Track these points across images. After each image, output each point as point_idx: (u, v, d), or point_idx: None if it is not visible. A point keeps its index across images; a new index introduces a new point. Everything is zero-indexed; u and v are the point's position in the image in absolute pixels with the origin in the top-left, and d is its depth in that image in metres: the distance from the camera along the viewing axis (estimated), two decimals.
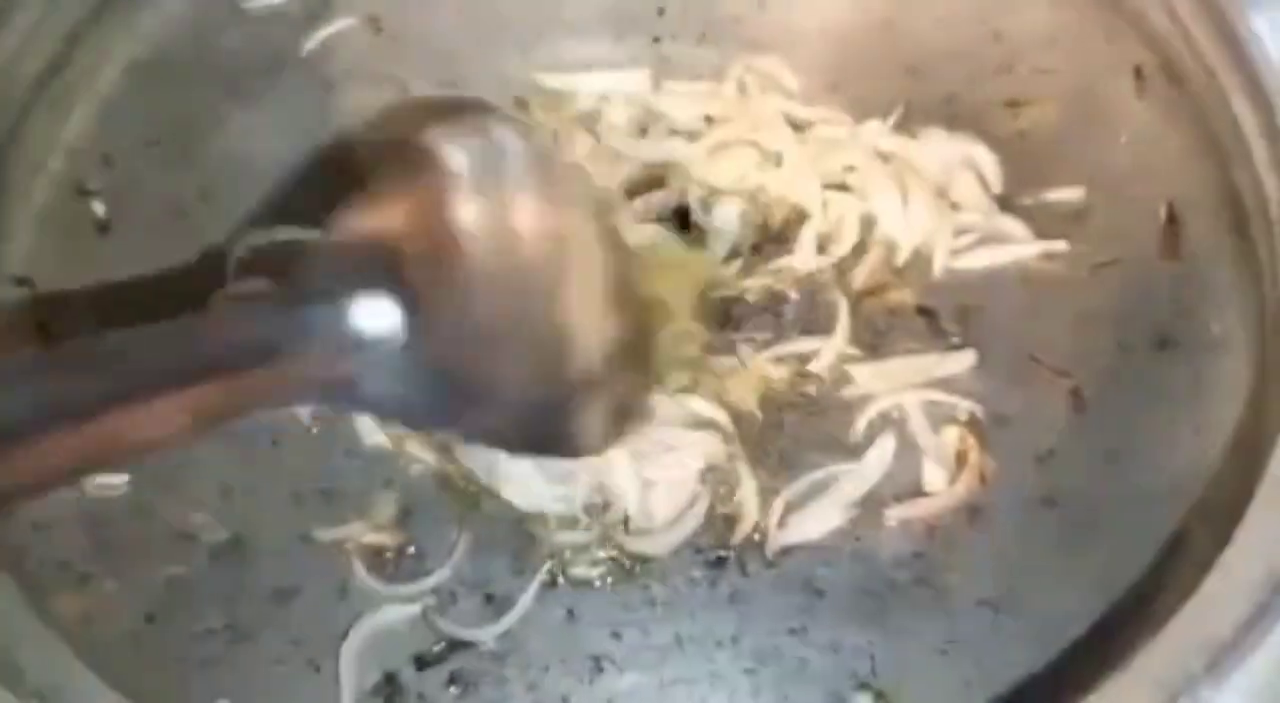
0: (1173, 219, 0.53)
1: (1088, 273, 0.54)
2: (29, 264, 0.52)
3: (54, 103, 0.53)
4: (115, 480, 0.47)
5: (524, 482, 0.47)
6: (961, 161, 0.57)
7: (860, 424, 0.50)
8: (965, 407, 0.50)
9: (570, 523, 0.48)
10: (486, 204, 0.38)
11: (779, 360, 0.52)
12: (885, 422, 0.50)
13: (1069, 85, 0.57)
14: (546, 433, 0.40)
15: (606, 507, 0.48)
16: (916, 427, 0.50)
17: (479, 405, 0.37)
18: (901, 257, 0.54)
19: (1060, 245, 0.54)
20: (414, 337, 0.35)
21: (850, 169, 0.57)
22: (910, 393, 0.51)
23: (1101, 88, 0.56)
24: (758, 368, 0.52)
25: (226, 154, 0.56)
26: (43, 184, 0.53)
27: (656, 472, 0.48)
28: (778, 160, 0.57)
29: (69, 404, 0.31)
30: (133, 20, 0.55)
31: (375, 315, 0.35)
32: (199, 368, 0.33)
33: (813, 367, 0.51)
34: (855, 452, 0.50)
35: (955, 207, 0.56)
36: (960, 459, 0.50)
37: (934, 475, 0.50)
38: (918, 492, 0.49)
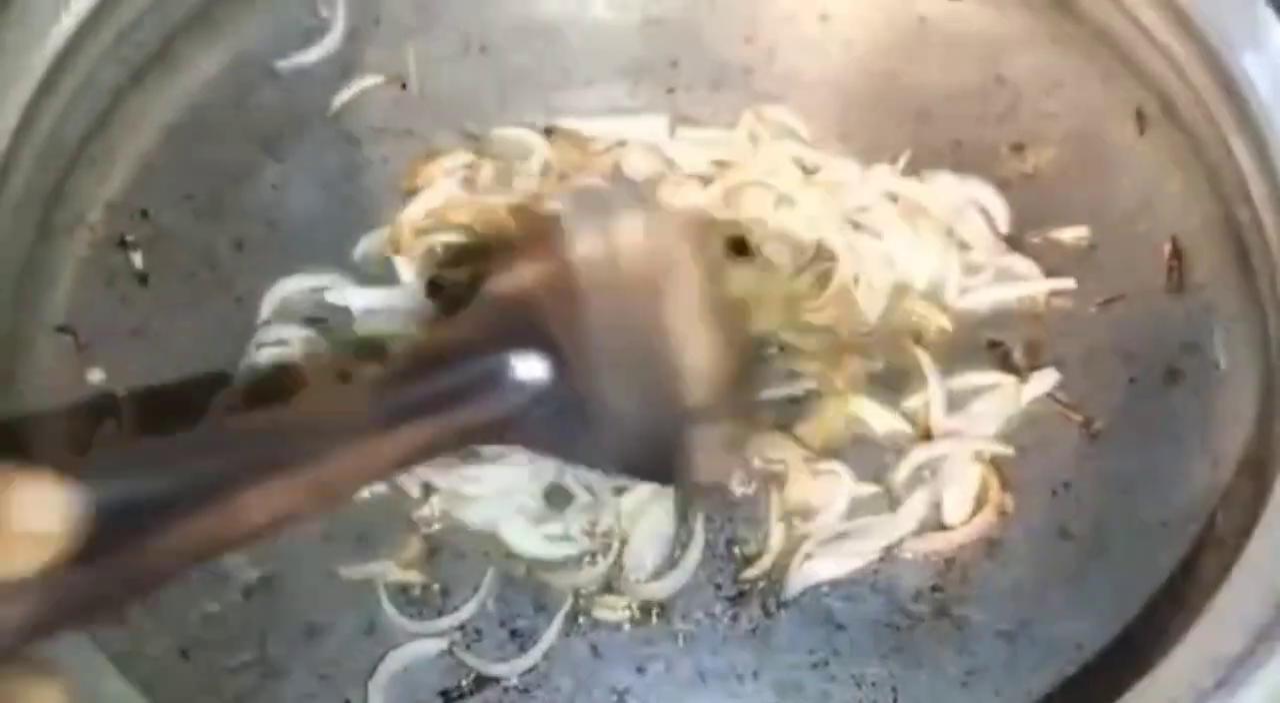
0: (1177, 254, 0.54)
1: (1096, 309, 0.55)
2: (71, 313, 0.54)
3: (96, 161, 0.55)
4: None
5: (521, 529, 0.49)
6: (969, 203, 0.58)
7: (903, 471, 0.51)
8: (990, 448, 0.51)
9: (574, 565, 0.49)
10: (602, 259, 0.42)
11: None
12: (926, 467, 0.51)
13: (1072, 127, 0.58)
14: (671, 459, 0.43)
15: (603, 552, 0.49)
16: (951, 468, 0.51)
17: (613, 437, 0.41)
18: (915, 295, 0.56)
19: (1068, 283, 0.55)
20: (555, 380, 0.40)
21: (862, 210, 0.58)
22: (962, 442, 0.51)
23: (1104, 129, 0.58)
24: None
25: (258, 206, 0.58)
26: (84, 237, 0.55)
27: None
28: (791, 203, 0.59)
29: (267, 464, 0.34)
30: (170, 83, 0.57)
31: (529, 365, 0.40)
32: (391, 417, 0.37)
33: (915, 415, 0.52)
34: (889, 496, 0.50)
35: (964, 247, 0.58)
36: (981, 496, 0.51)
37: (954, 511, 0.50)
38: (938, 525, 0.50)
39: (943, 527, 0.50)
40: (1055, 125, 0.59)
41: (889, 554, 0.49)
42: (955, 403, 0.53)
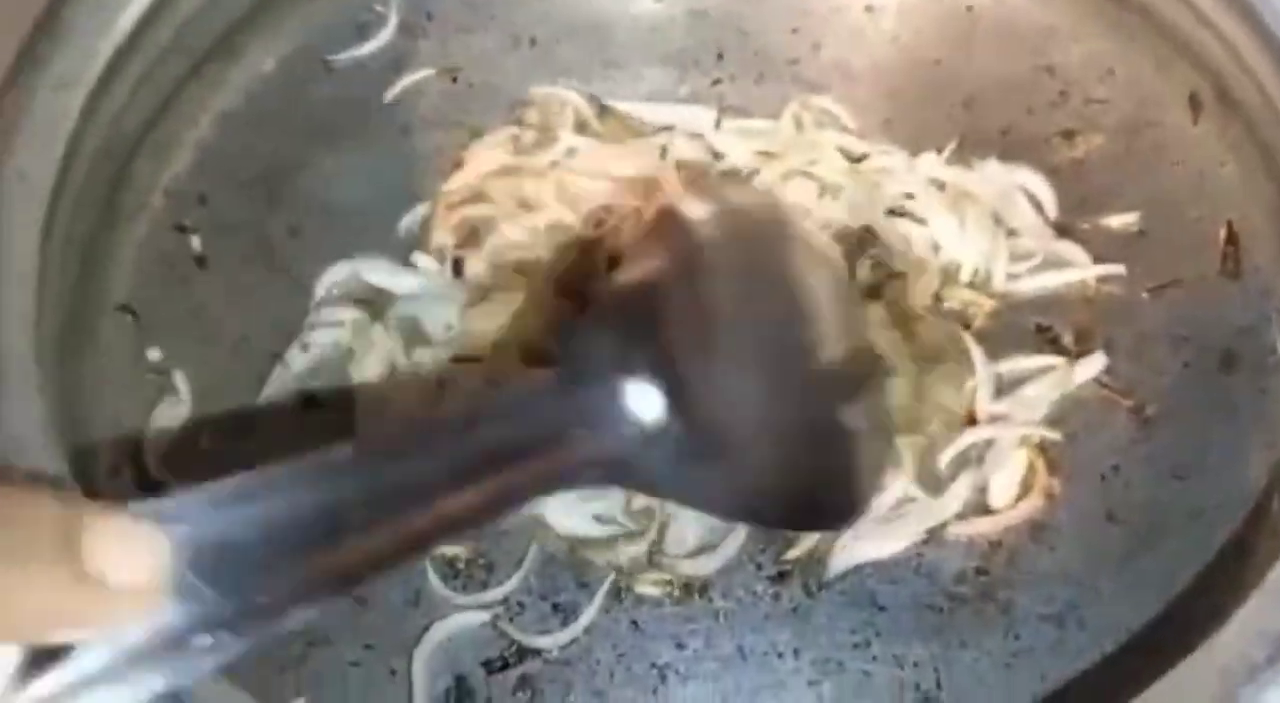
0: (1232, 240, 0.53)
1: (1148, 295, 0.54)
2: (132, 294, 0.55)
3: (156, 148, 0.57)
4: None
5: (564, 508, 0.49)
6: (1016, 190, 0.58)
7: (948, 454, 0.50)
8: (1038, 432, 0.51)
9: (615, 543, 0.49)
10: (732, 273, 0.38)
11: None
12: (972, 451, 0.50)
13: (1124, 115, 0.58)
14: (805, 504, 0.39)
15: (643, 531, 0.49)
16: (997, 451, 0.50)
17: (740, 480, 0.37)
18: (964, 278, 0.55)
19: (1119, 269, 0.55)
20: (675, 416, 0.35)
21: (908, 197, 0.58)
22: (1009, 426, 0.50)
23: (1157, 116, 0.57)
24: None
25: (312, 195, 0.59)
26: (145, 221, 0.57)
27: None
28: (835, 193, 0.59)
29: (386, 498, 0.31)
30: (227, 76, 0.59)
31: (644, 398, 0.35)
32: (497, 453, 0.33)
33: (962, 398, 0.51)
34: (934, 479, 0.50)
35: (1012, 234, 0.57)
36: (1028, 480, 0.50)
37: (1001, 493, 0.50)
38: (983, 508, 0.50)
39: (988, 510, 0.49)
40: (1107, 113, 0.58)
41: (933, 537, 0.49)
42: (1003, 388, 0.52)
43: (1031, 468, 0.50)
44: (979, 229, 0.56)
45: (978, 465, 0.50)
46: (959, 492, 0.49)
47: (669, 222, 0.40)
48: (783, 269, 0.40)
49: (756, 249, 0.40)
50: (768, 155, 0.61)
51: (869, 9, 0.63)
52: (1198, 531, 0.47)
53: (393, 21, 0.62)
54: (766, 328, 0.39)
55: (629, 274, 0.39)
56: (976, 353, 0.52)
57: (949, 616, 0.47)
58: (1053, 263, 0.56)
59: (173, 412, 0.52)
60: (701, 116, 0.62)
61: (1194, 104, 0.56)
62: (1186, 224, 0.55)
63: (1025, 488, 0.49)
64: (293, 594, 0.29)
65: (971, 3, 0.62)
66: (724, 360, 0.37)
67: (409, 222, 0.59)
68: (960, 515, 0.49)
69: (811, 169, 0.60)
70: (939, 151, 0.60)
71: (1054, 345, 0.53)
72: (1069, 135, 0.59)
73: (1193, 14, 0.52)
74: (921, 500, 0.49)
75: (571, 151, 0.61)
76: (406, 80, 0.62)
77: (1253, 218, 0.53)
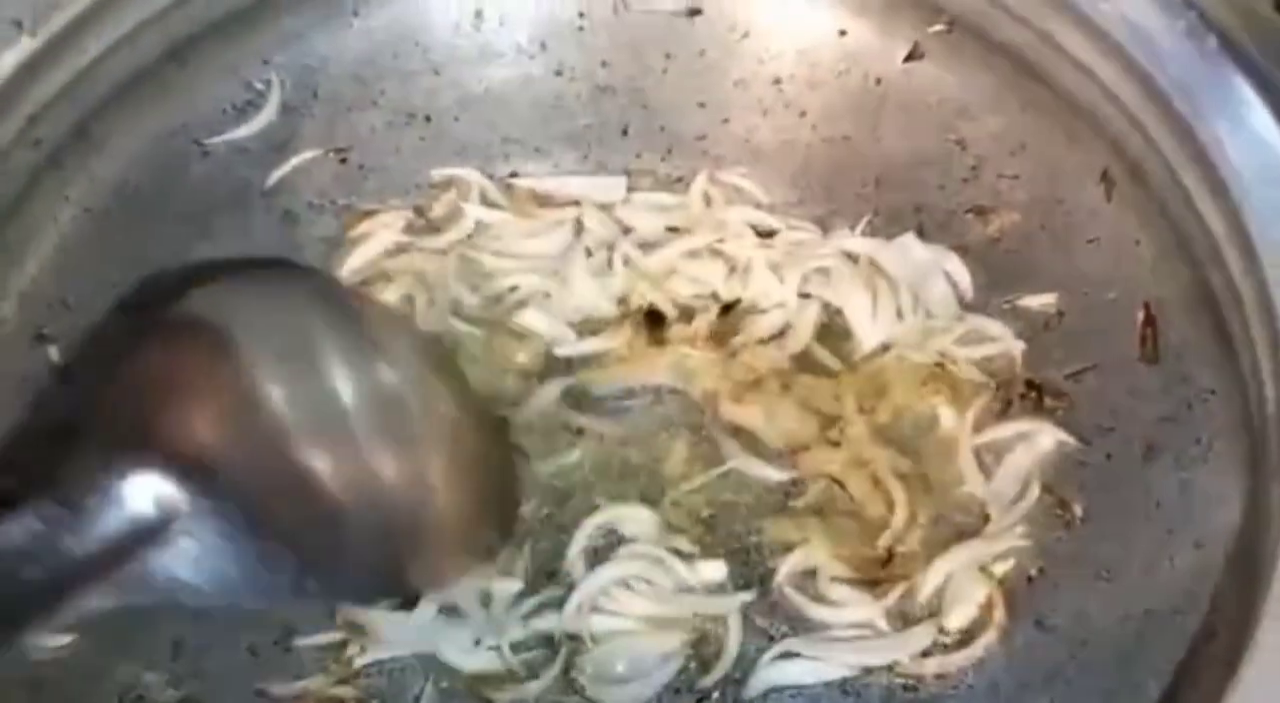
0: (1150, 321, 0.52)
1: (1068, 380, 0.53)
2: None
3: (8, 249, 0.52)
4: (61, 640, 0.45)
5: (456, 642, 0.46)
6: (934, 268, 0.56)
7: (928, 587, 0.48)
8: (1006, 565, 0.48)
9: (515, 681, 0.45)
10: (272, 361, 0.37)
11: None
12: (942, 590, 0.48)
13: (1037, 191, 0.56)
14: (389, 577, 0.39)
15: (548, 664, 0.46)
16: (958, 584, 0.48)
17: (307, 564, 0.35)
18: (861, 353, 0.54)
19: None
20: (213, 506, 0.33)
21: (821, 271, 0.56)
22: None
23: (1070, 191, 0.55)
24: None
25: None
26: None
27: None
28: (745, 272, 0.57)
29: None
30: (90, 163, 0.54)
31: (147, 495, 0.33)
32: None
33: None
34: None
35: (928, 315, 0.56)
36: (984, 614, 0.47)
37: (957, 623, 0.47)
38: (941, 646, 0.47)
39: (945, 648, 0.47)
40: (1019, 189, 0.57)
41: None
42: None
43: (990, 602, 0.47)
44: (890, 311, 0.54)
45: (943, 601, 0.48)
46: (927, 630, 0.47)
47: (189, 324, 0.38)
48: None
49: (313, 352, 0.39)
50: (676, 230, 0.59)
51: (776, 82, 0.61)
52: (1132, 641, 0.45)
53: (275, 100, 0.59)
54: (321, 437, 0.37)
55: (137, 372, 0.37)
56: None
57: None
58: (971, 339, 0.54)
59: None
60: (610, 188, 0.60)
61: (1106, 180, 0.54)
62: (1104, 305, 0.54)
63: (983, 625, 0.47)
64: None
65: (880, 76, 0.60)
66: (269, 452, 0.35)
67: None
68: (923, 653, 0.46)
69: (720, 246, 0.58)
70: (851, 229, 0.58)
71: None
72: (982, 212, 0.57)
73: (1098, 89, 0.51)
74: (886, 637, 0.47)
75: (483, 227, 0.58)
76: (291, 162, 0.58)
77: (1169, 299, 0.51)
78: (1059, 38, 0.51)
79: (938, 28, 0.58)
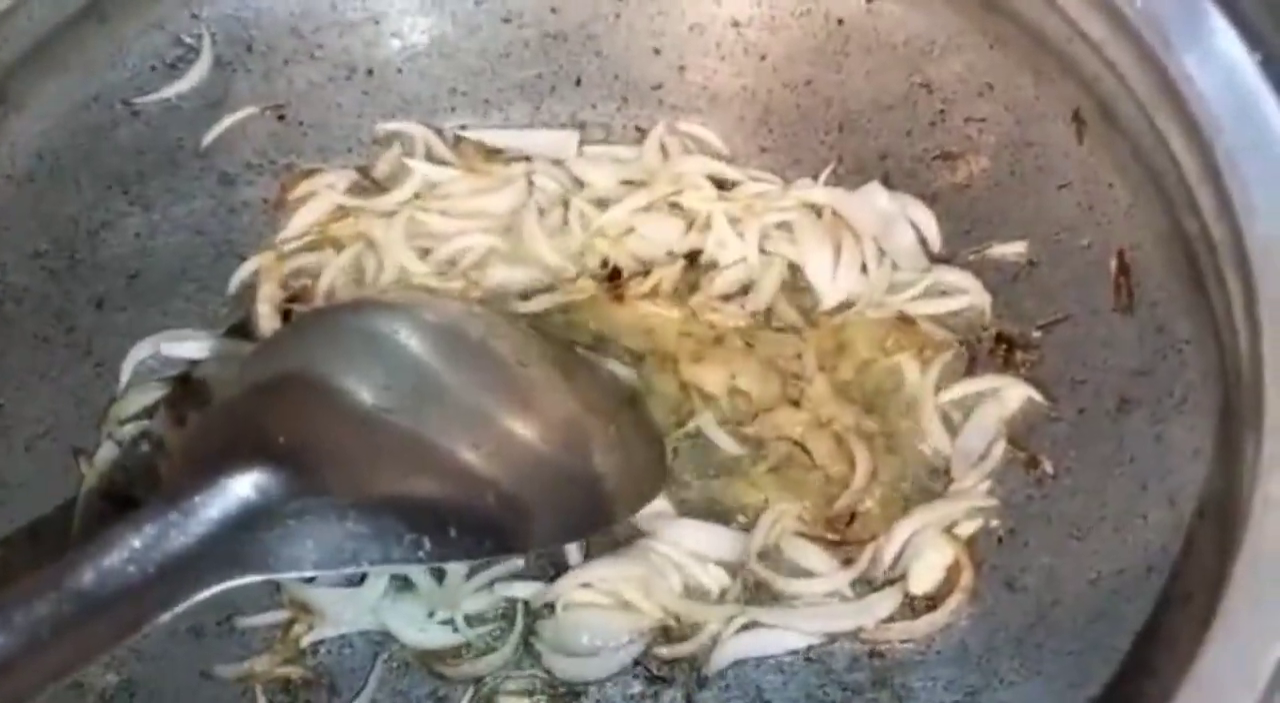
0: (1124, 270, 0.50)
1: (1039, 332, 0.51)
2: None
3: None
4: None
5: (405, 616, 0.45)
6: (900, 217, 0.54)
7: (892, 549, 0.46)
8: (973, 526, 0.46)
9: (470, 655, 0.44)
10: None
11: None
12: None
13: (1006, 133, 0.54)
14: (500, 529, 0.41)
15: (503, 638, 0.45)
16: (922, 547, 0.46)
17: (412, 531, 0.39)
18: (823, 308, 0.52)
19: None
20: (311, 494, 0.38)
21: (783, 226, 0.54)
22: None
23: (1040, 134, 0.53)
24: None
25: (120, 258, 0.53)
26: None
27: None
28: (705, 224, 0.55)
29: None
30: (12, 127, 0.51)
31: (254, 486, 0.38)
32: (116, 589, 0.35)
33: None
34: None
35: (894, 267, 0.53)
36: (951, 576, 0.46)
37: (920, 584, 0.46)
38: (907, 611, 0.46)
39: (911, 612, 0.45)
40: (988, 132, 0.54)
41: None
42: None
43: (958, 564, 0.45)
44: (853, 265, 0.53)
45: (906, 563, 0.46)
46: (892, 595, 0.45)
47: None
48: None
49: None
50: (632, 184, 0.56)
51: (735, 25, 0.58)
52: (1103, 600, 0.43)
53: (206, 55, 0.56)
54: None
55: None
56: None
57: None
58: (935, 291, 0.52)
59: None
60: (563, 142, 0.57)
61: (1078, 120, 0.52)
62: (1076, 252, 0.51)
63: (949, 587, 0.45)
64: None
65: (842, 15, 0.57)
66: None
67: (239, 280, 0.53)
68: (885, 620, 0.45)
69: (679, 199, 0.56)
70: (815, 177, 0.56)
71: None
72: (950, 157, 0.55)
73: (1072, 29, 0.48)
74: (850, 603, 0.45)
75: (430, 185, 0.56)
76: (226, 121, 0.56)
77: (1144, 245, 0.49)
78: None
79: None
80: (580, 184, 0.57)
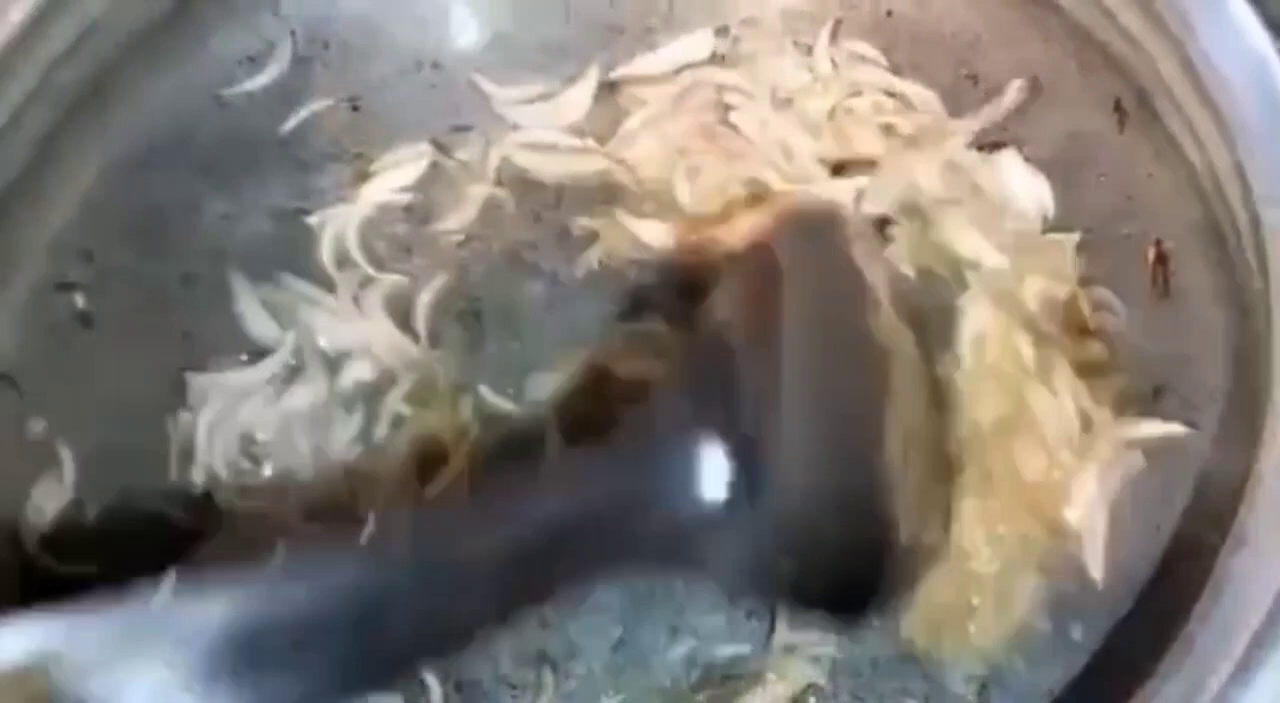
0: (1161, 259, 0.51)
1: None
2: (11, 361, 0.53)
3: (32, 203, 0.54)
4: None
5: None
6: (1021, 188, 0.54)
7: None
8: None
9: None
10: (814, 341, 0.36)
11: None
12: None
13: (1049, 125, 0.55)
14: (859, 588, 0.36)
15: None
16: None
17: (807, 567, 0.34)
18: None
19: None
20: (748, 496, 0.33)
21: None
22: None
23: (1082, 125, 0.54)
24: None
25: (206, 239, 0.57)
26: (23, 281, 0.54)
27: None
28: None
29: (433, 585, 0.30)
30: (108, 118, 0.56)
31: (715, 476, 0.33)
32: (548, 534, 0.31)
33: None
34: None
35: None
36: None
37: None
38: None
39: None
40: (1031, 123, 0.55)
41: None
42: None
43: None
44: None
45: None
46: None
47: (758, 262, 0.37)
48: (865, 343, 0.37)
49: (840, 315, 0.37)
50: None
51: (784, 16, 0.60)
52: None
53: (286, 52, 0.59)
54: (844, 402, 0.36)
55: (709, 327, 0.36)
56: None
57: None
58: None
59: (55, 488, 0.50)
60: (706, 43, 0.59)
61: (1119, 110, 0.53)
62: (1116, 241, 0.52)
63: None
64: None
65: (891, 7, 0.58)
66: (799, 436, 0.34)
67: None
68: None
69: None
70: None
71: None
72: (995, 148, 0.56)
73: (1106, 18, 0.49)
74: None
75: None
76: (304, 112, 0.59)
77: (1180, 236, 0.50)
78: None
79: None
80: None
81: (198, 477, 0.52)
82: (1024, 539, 0.47)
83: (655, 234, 0.55)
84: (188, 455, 0.52)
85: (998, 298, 0.51)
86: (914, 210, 0.54)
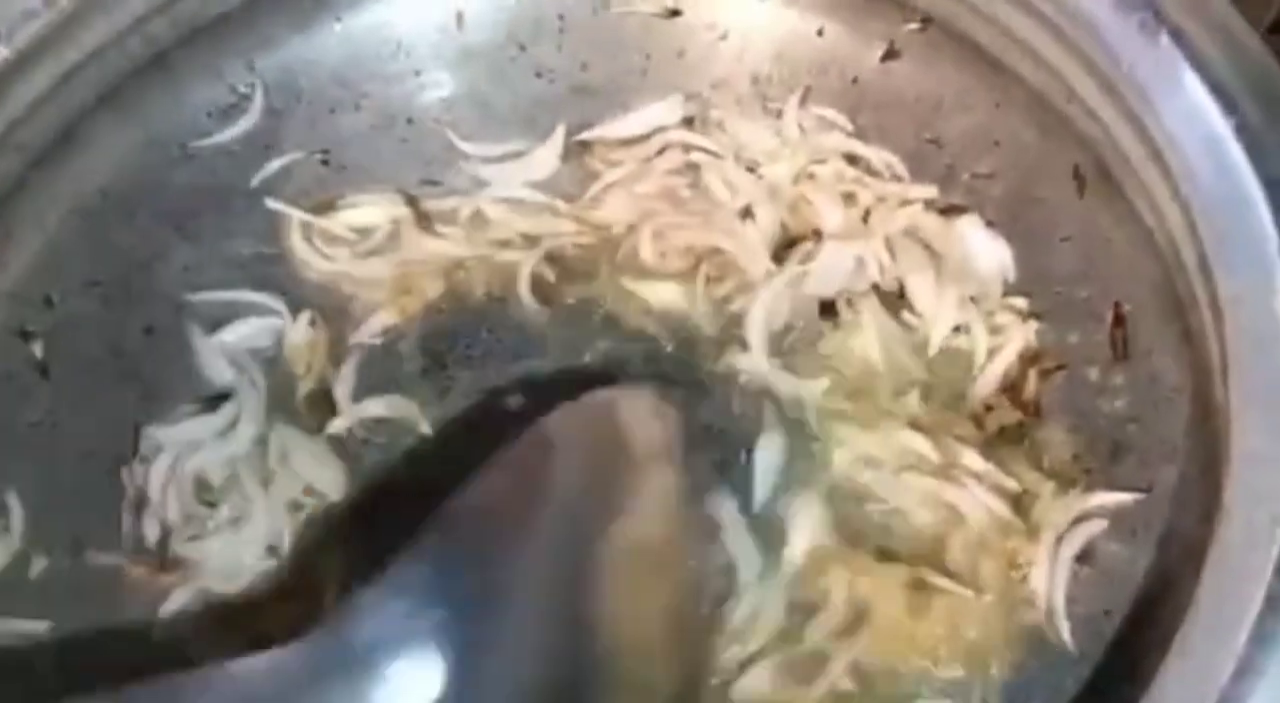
0: (1119, 321, 0.52)
1: (1038, 379, 0.52)
2: None
3: None
4: None
5: None
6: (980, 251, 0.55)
7: None
8: None
9: None
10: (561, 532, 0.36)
11: None
12: None
13: (1011, 187, 0.56)
14: None
15: None
16: None
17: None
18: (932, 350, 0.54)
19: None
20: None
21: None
22: None
23: (1043, 190, 0.55)
24: None
25: (170, 289, 0.57)
26: None
27: None
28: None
29: None
30: (76, 166, 0.56)
31: (415, 682, 0.33)
32: None
33: None
34: None
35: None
36: None
37: None
38: None
39: None
40: (994, 186, 0.57)
41: None
42: None
43: None
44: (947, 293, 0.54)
45: None
46: None
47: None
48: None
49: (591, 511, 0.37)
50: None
51: (755, 82, 0.61)
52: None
53: (258, 103, 0.60)
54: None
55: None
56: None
57: None
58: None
59: (3, 538, 0.49)
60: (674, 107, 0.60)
61: (1078, 177, 0.54)
62: (1076, 303, 0.53)
63: None
64: None
65: (857, 73, 0.60)
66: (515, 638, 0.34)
67: None
68: None
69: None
70: None
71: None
72: (957, 211, 0.57)
73: (1063, 85, 0.51)
74: None
75: None
76: (275, 164, 0.60)
77: (1139, 299, 0.51)
78: (1023, 34, 0.51)
79: (912, 26, 0.58)
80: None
81: (150, 529, 0.51)
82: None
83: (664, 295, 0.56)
84: (141, 504, 0.51)
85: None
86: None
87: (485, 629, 0.34)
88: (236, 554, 0.50)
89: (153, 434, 0.53)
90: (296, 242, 0.58)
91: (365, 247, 0.58)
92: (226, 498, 0.51)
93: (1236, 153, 0.40)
